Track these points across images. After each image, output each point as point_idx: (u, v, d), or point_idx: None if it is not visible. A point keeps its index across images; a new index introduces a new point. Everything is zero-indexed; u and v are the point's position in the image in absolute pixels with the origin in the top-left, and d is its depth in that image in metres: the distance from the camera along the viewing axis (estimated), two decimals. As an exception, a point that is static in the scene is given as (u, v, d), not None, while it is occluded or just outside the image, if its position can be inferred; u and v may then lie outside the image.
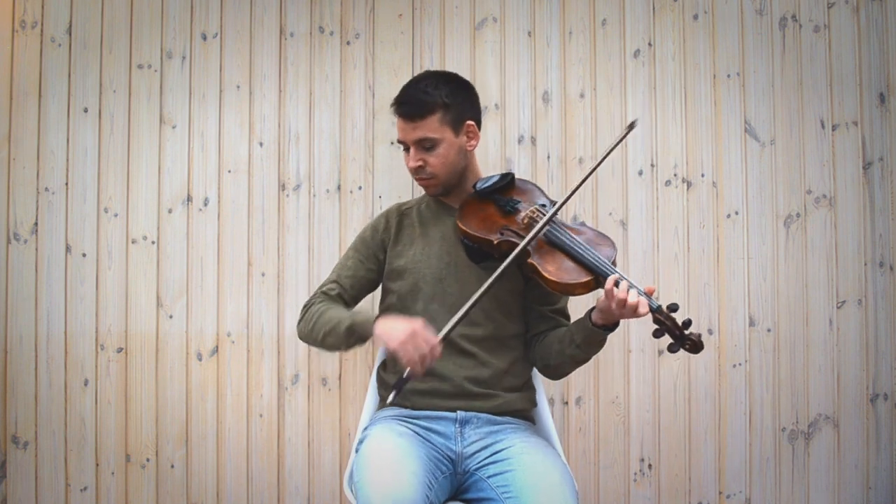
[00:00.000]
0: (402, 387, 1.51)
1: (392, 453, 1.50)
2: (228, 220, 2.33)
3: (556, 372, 1.74)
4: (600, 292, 1.57)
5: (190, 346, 2.31)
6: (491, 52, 2.35)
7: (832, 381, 2.30)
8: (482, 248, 1.67)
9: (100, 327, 2.31)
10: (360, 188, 2.33)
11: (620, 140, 1.68)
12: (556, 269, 1.58)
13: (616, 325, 1.60)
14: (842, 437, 2.29)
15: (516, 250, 1.57)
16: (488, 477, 1.54)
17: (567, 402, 2.30)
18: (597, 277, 1.57)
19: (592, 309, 1.61)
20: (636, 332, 2.29)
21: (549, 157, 2.33)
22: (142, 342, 2.31)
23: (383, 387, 1.77)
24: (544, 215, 1.66)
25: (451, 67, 2.32)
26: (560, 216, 1.68)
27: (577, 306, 1.82)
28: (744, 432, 2.29)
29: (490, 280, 1.54)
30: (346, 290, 1.77)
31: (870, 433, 2.29)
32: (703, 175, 2.33)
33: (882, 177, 2.32)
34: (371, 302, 2.29)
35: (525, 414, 1.74)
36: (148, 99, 2.34)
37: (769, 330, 2.30)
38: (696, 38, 2.35)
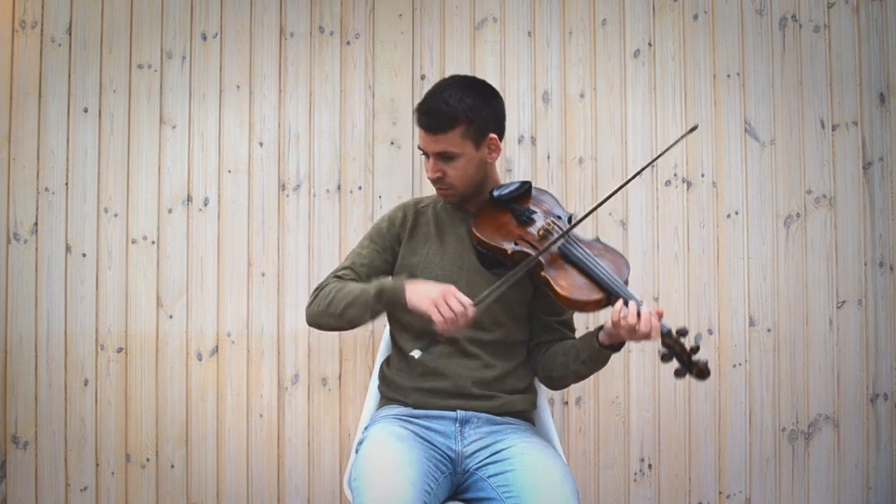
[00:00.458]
0: (430, 346, 1.51)
1: (391, 459, 1.50)
2: (228, 220, 2.33)
3: (558, 383, 1.75)
4: (610, 310, 1.55)
5: (190, 346, 2.31)
6: (491, 52, 2.35)
7: (832, 381, 2.30)
8: (495, 256, 1.67)
9: (100, 327, 2.31)
10: (360, 188, 2.33)
11: (678, 141, 1.69)
12: (568, 285, 1.57)
13: (622, 344, 1.60)
14: (842, 437, 2.29)
15: (529, 260, 1.57)
16: (489, 477, 1.54)
17: (567, 403, 2.30)
18: (608, 296, 1.56)
19: (600, 328, 1.60)
20: (636, 332, 2.29)
21: (549, 157, 2.33)
22: (142, 342, 2.31)
23: (385, 383, 1.77)
24: (560, 228, 1.66)
25: (450, 67, 2.32)
26: (575, 230, 1.68)
27: (579, 316, 1.82)
28: (744, 432, 2.29)
29: (517, 270, 1.55)
30: (360, 278, 1.74)
31: (870, 433, 2.30)
32: (703, 175, 2.33)
33: (882, 177, 2.32)
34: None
35: (525, 415, 1.74)
36: (148, 99, 2.34)
37: (769, 330, 2.30)
38: (696, 38, 2.35)
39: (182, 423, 2.31)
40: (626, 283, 1.60)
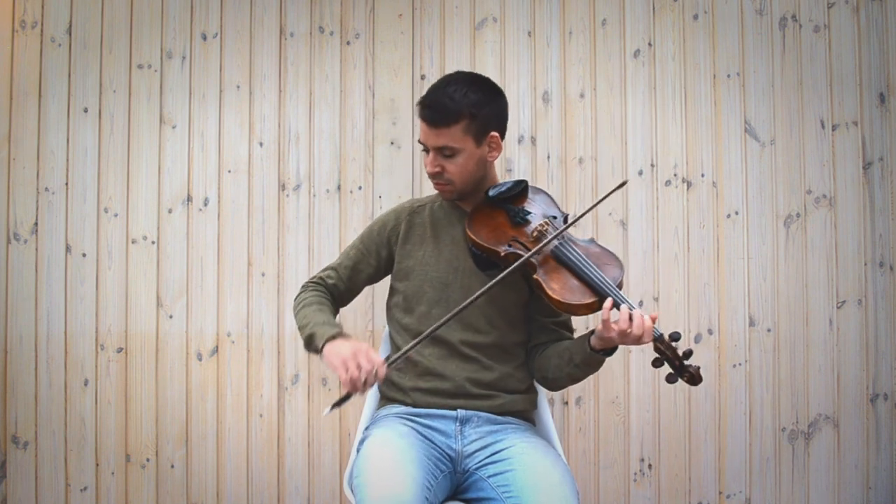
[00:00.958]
0: (341, 404, 1.50)
1: (392, 456, 1.50)
2: (228, 220, 2.33)
3: (554, 385, 1.74)
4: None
5: (190, 346, 2.31)
6: (491, 52, 2.35)
7: (832, 381, 2.30)
8: (490, 257, 1.66)
9: (100, 327, 2.31)
10: (360, 188, 2.33)
11: (609, 193, 1.67)
12: (560, 288, 1.56)
13: (615, 348, 1.59)
14: (842, 437, 2.29)
15: (516, 263, 1.56)
16: (489, 477, 1.54)
17: (567, 403, 2.30)
18: (601, 300, 1.54)
19: (592, 332, 1.59)
20: (636, 332, 2.29)
21: (549, 157, 2.33)
22: (142, 342, 2.31)
23: (385, 384, 1.77)
24: (554, 229, 1.65)
25: (451, 67, 2.32)
26: (571, 230, 1.66)
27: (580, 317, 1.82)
28: (744, 432, 2.29)
29: (474, 297, 1.53)
30: (342, 281, 1.79)
31: (870, 433, 2.29)
32: (703, 175, 2.33)
33: (882, 177, 2.32)
34: (370, 296, 2.29)
35: (526, 415, 1.74)
36: (148, 99, 2.34)
37: (769, 330, 2.30)
38: (696, 38, 2.35)
39: (182, 423, 2.31)
40: (620, 286, 1.58)
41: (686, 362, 1.51)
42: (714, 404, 2.30)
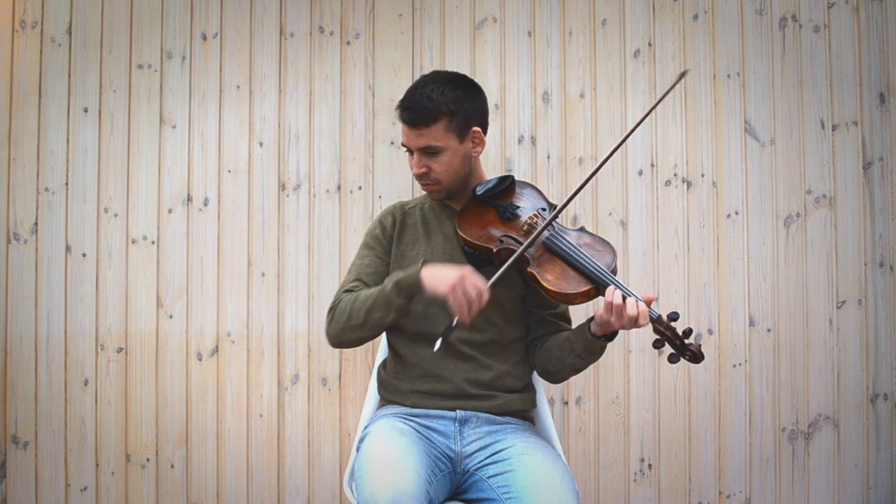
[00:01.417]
0: (448, 335, 1.49)
1: (393, 449, 1.50)
2: (228, 220, 2.33)
3: (556, 377, 1.74)
4: (601, 300, 1.56)
5: (190, 346, 2.31)
6: (491, 52, 2.35)
7: (832, 381, 2.30)
8: (483, 255, 1.67)
9: (100, 327, 2.31)
10: (360, 188, 2.33)
11: (670, 89, 1.64)
12: (554, 279, 1.57)
13: (615, 334, 1.59)
14: (842, 437, 2.29)
15: (512, 258, 1.57)
16: (488, 477, 1.54)
17: (567, 402, 2.30)
18: (597, 286, 1.56)
19: (591, 319, 1.60)
20: (636, 333, 2.28)
21: (549, 157, 2.33)
22: (142, 342, 2.31)
23: (383, 386, 1.77)
24: (544, 220, 1.65)
25: (451, 67, 2.32)
26: (560, 219, 1.67)
27: (578, 308, 1.82)
28: (744, 432, 2.29)
29: (508, 264, 1.54)
30: (371, 287, 1.71)
31: (870, 433, 2.30)
32: (703, 175, 2.33)
33: (882, 177, 2.32)
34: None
35: (525, 414, 1.74)
36: (148, 99, 2.34)
37: (769, 330, 2.30)
38: (696, 38, 2.35)
39: (182, 423, 2.31)
40: (614, 271, 1.60)
41: (687, 341, 1.52)
42: (714, 404, 2.30)
